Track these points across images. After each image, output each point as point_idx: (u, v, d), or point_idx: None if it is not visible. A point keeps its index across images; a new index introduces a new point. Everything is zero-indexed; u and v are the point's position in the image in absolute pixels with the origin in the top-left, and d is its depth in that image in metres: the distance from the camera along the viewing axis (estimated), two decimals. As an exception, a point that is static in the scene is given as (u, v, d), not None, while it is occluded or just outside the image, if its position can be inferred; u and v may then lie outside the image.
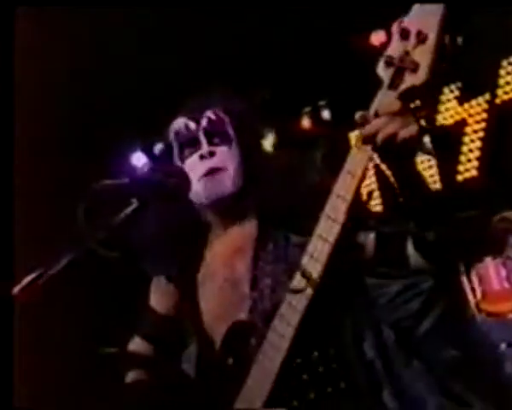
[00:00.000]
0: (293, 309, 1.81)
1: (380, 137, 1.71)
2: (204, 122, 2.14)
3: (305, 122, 5.38)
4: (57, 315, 4.24)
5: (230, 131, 2.13)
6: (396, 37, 1.76)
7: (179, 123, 2.18)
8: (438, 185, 4.78)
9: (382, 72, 1.78)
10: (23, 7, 3.54)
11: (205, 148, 2.12)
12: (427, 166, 4.81)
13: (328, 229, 1.81)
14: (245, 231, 2.11)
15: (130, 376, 2.18)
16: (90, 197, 1.81)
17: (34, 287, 1.68)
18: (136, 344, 2.22)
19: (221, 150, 2.11)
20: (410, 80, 1.74)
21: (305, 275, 1.80)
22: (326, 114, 5.41)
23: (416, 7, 1.75)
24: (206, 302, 2.10)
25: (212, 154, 2.10)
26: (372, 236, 1.93)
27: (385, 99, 1.76)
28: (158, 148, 5.53)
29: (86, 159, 4.84)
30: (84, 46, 4.42)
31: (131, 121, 4.74)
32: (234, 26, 4.42)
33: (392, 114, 1.72)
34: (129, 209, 1.84)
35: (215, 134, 2.14)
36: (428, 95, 1.76)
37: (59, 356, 4.60)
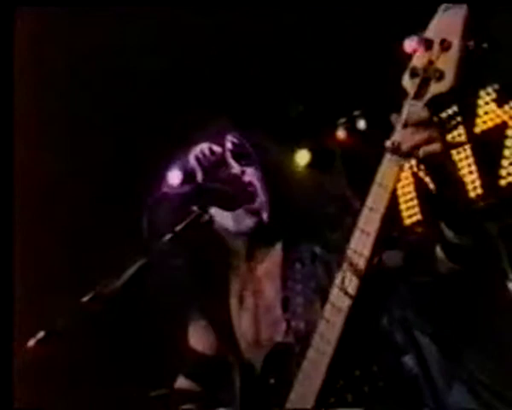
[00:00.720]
0: (331, 326, 1.79)
1: (404, 149, 1.72)
2: (229, 145, 2.14)
3: (341, 133, 5.34)
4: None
5: (253, 153, 2.12)
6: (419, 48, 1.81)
7: (203, 148, 2.17)
8: (479, 191, 4.71)
9: (407, 83, 1.80)
10: (23, 7, 3.54)
11: (236, 167, 2.11)
12: (467, 172, 4.76)
13: (362, 243, 1.78)
14: (270, 255, 2.09)
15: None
16: (152, 207, 1.86)
17: (101, 299, 1.67)
18: (182, 383, 2.21)
19: (250, 171, 2.11)
20: (435, 89, 1.75)
21: (343, 289, 1.77)
22: (361, 124, 5.37)
23: (438, 15, 1.78)
24: (241, 332, 2.08)
25: (243, 173, 2.10)
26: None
27: (411, 109, 1.76)
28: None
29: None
30: (84, 46, 4.41)
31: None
32: (265, 39, 4.41)
33: (419, 126, 1.72)
34: (191, 217, 1.85)
35: (241, 155, 2.13)
36: (458, 101, 1.79)
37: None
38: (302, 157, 4.85)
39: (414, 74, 1.79)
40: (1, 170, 3.06)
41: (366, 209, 1.79)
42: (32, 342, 1.58)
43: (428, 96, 1.75)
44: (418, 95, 1.76)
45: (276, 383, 1.93)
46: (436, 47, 1.76)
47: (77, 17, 4.20)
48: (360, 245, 1.78)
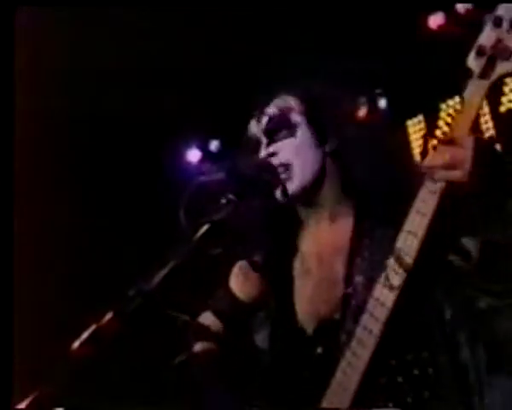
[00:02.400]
0: (380, 305, 1.77)
1: (436, 178, 1.71)
2: (264, 121, 2.11)
3: (362, 112, 5.32)
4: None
5: (295, 119, 2.08)
6: (488, 25, 1.72)
7: (249, 125, 2.15)
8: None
9: (473, 62, 1.74)
10: (23, 7, 3.54)
11: (263, 150, 2.09)
12: None
13: (409, 243, 1.76)
14: (340, 228, 2.06)
15: (199, 346, 2.12)
16: (190, 196, 1.81)
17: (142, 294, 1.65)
18: (207, 319, 2.17)
19: (282, 145, 2.07)
20: (502, 68, 1.70)
21: (399, 262, 1.75)
22: (382, 103, 5.34)
23: None
24: (299, 297, 2.06)
25: (272, 155, 2.06)
26: (475, 243, 1.88)
27: (475, 89, 1.71)
28: (214, 144, 5.57)
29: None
30: (84, 46, 4.42)
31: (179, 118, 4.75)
32: (283, 21, 4.41)
33: (449, 143, 1.69)
34: (228, 205, 1.83)
35: (276, 129, 2.09)
36: None
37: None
38: None
39: (480, 53, 1.72)
40: (1, 170, 3.06)
41: (414, 211, 1.76)
42: (76, 344, 1.56)
43: (495, 76, 1.70)
44: (484, 74, 1.71)
45: (323, 352, 1.92)
46: (505, 24, 1.69)
47: (77, 17, 4.21)
48: (407, 246, 1.76)
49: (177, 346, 2.04)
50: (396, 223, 1.83)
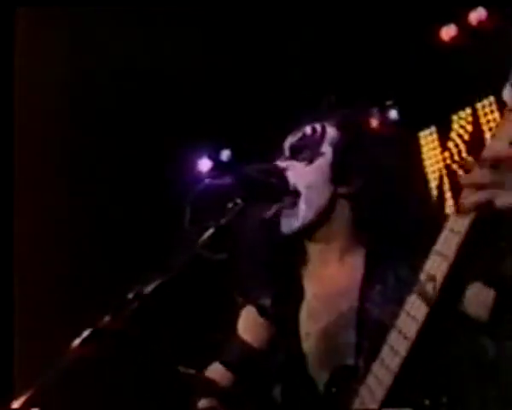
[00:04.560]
0: (394, 353, 1.65)
1: (471, 208, 1.46)
2: (297, 136, 2.07)
3: (373, 123, 5.31)
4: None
5: (324, 147, 2.02)
6: None
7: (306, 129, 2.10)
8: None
9: (507, 95, 1.53)
10: (23, 7, 3.54)
11: (279, 163, 2.04)
12: None
13: (437, 265, 1.57)
14: (350, 269, 1.99)
15: (204, 403, 2.05)
16: (195, 199, 1.77)
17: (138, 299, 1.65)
18: (216, 372, 2.09)
19: (294, 166, 2.01)
20: None
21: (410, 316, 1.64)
22: (393, 114, 5.35)
23: None
24: (307, 344, 1.98)
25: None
26: (489, 293, 1.74)
27: (505, 132, 1.47)
28: (225, 154, 5.58)
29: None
30: (84, 46, 4.41)
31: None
32: (296, 29, 4.40)
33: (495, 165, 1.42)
34: (235, 209, 1.79)
35: (301, 148, 2.05)
36: None
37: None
38: None
39: None
40: (1, 170, 3.06)
41: (446, 230, 1.54)
42: (76, 342, 1.55)
43: None
44: None
45: (337, 396, 1.84)
46: None
47: (77, 17, 4.21)
48: (434, 268, 1.58)
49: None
50: (412, 266, 1.73)
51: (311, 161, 2.02)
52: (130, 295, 1.59)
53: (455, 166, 4.64)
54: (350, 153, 2.02)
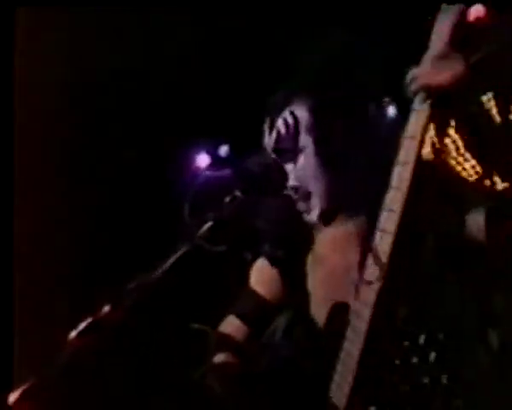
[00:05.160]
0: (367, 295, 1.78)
1: (431, 91, 1.67)
2: (273, 136, 2.11)
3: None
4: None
5: (301, 141, 2.07)
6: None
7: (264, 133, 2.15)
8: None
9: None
10: (23, 7, 3.54)
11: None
12: None
13: (394, 200, 1.74)
14: (353, 226, 2.06)
15: (220, 357, 2.10)
16: (195, 192, 1.82)
17: (144, 288, 1.65)
18: (231, 324, 2.16)
19: (288, 169, 2.07)
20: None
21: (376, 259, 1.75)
22: (391, 111, 5.36)
23: None
24: (314, 288, 2.05)
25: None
26: (480, 214, 1.83)
27: (442, 19, 1.72)
28: (223, 150, 5.59)
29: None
30: (84, 46, 4.42)
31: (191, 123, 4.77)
32: (294, 25, 4.42)
33: (438, 58, 1.68)
34: (234, 202, 1.82)
35: (282, 150, 2.10)
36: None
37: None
38: None
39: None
40: (1, 170, 3.07)
41: (398, 166, 1.73)
42: (73, 334, 1.56)
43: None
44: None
45: (336, 344, 1.90)
46: None
47: (77, 17, 4.21)
48: (392, 203, 1.75)
49: (194, 356, 2.03)
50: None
51: (295, 162, 2.07)
52: (131, 286, 1.60)
53: (452, 162, 4.65)
54: (330, 135, 2.06)
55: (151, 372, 4.52)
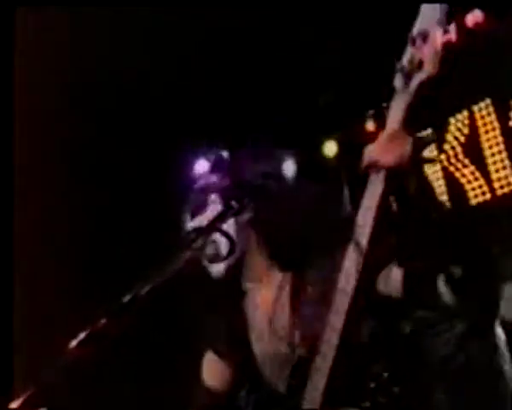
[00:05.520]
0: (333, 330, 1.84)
1: (378, 168, 1.79)
2: (192, 198, 2.12)
3: (370, 125, 5.34)
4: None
5: (212, 198, 2.07)
6: (408, 48, 1.90)
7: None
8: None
9: (396, 82, 1.92)
10: (23, 7, 3.54)
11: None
12: (500, 167, 4.42)
13: (355, 258, 1.82)
14: (279, 280, 2.06)
15: None
16: (193, 199, 1.83)
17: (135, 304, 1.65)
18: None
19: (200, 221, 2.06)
20: (417, 78, 1.85)
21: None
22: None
23: (420, 12, 1.91)
24: (261, 360, 2.09)
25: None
26: (398, 272, 1.88)
27: (397, 104, 1.88)
28: (223, 156, 5.58)
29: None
30: (84, 46, 4.42)
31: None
32: (297, 29, 4.41)
33: (390, 138, 1.84)
34: (229, 213, 1.81)
35: (196, 211, 2.09)
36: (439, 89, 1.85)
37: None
38: (330, 149, 4.89)
39: (401, 70, 1.90)
40: (1, 170, 3.07)
41: (356, 227, 1.82)
42: (73, 344, 1.56)
43: (412, 86, 1.85)
44: (404, 88, 1.88)
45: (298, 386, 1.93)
46: (418, 41, 1.87)
47: (77, 17, 4.21)
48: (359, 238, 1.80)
49: None
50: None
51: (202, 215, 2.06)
52: (126, 299, 1.60)
53: (452, 169, 4.65)
54: (231, 184, 2.05)
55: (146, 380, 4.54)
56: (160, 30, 4.41)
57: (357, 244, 1.78)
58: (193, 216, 1.88)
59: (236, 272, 2.07)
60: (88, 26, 4.32)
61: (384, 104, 5.45)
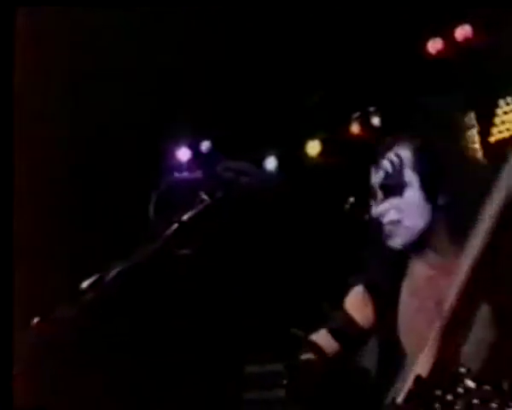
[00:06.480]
0: None
1: None
2: (380, 174, 2.18)
3: (355, 128, 5.36)
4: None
5: (408, 177, 2.14)
6: None
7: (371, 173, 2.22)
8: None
9: None
10: (23, 7, 3.55)
11: (375, 205, 2.18)
12: None
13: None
14: (446, 262, 2.09)
15: (307, 356, 2.19)
16: (162, 191, 1.81)
17: (100, 285, 1.65)
18: (322, 337, 2.24)
19: (390, 206, 2.14)
20: None
21: None
22: (376, 121, 5.38)
23: None
24: (405, 318, 2.13)
25: (380, 215, 2.15)
26: None
27: None
28: (205, 145, 5.56)
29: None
30: (84, 46, 4.42)
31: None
32: (287, 29, 4.43)
33: None
34: (200, 206, 1.81)
35: (389, 186, 2.16)
36: None
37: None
38: (313, 147, 4.91)
39: None
40: (0, 166, 3.08)
41: None
42: (35, 321, 1.57)
43: None
44: None
45: None
46: None
47: (77, 17, 4.22)
48: None
49: None
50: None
51: (401, 195, 2.13)
52: (85, 284, 1.60)
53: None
54: (434, 171, 2.12)
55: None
56: (154, 27, 4.43)
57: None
58: (158, 211, 1.88)
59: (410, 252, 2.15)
60: (88, 26, 4.33)
61: (371, 108, 5.50)
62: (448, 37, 4.61)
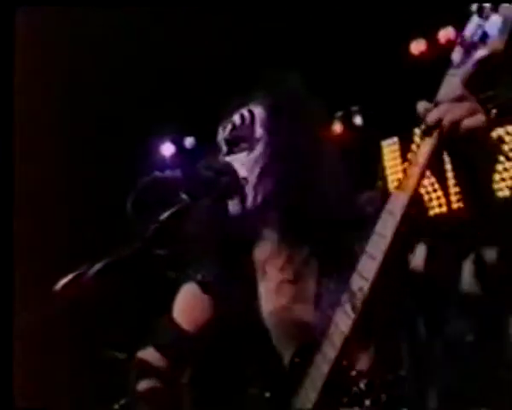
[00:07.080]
0: (339, 329, 1.75)
1: (444, 125, 1.57)
2: (228, 129, 2.05)
3: (337, 127, 5.38)
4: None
5: (258, 132, 2.01)
6: (473, 17, 1.63)
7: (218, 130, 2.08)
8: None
9: (454, 54, 1.64)
10: (23, 7, 3.55)
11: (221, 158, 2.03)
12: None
13: (376, 245, 1.68)
14: (305, 259, 2.00)
15: (143, 385, 2.05)
16: (140, 189, 1.77)
17: (77, 284, 1.63)
18: (149, 354, 2.08)
19: (235, 160, 2.00)
20: (478, 54, 1.60)
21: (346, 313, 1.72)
22: (358, 120, 5.41)
23: None
24: (271, 317, 2.01)
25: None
26: (423, 248, 1.82)
27: (452, 80, 1.62)
28: (188, 141, 5.55)
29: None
30: (84, 46, 4.43)
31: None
32: (271, 27, 4.43)
33: (457, 100, 1.58)
34: (179, 206, 1.78)
35: (236, 141, 2.03)
36: (502, 70, 1.61)
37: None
38: None
39: (461, 43, 1.63)
40: (0, 166, 3.07)
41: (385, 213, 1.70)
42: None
43: (469, 63, 1.60)
44: (461, 63, 1.62)
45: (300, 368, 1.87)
46: (487, 10, 1.59)
47: (77, 17, 4.22)
48: (374, 248, 1.69)
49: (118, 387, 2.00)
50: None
51: (251, 149, 2.00)
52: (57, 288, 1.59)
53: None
54: (282, 129, 1.99)
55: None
56: (142, 27, 4.44)
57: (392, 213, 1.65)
58: (136, 211, 1.82)
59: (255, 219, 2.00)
60: (88, 26, 4.34)
61: (353, 108, 5.49)
62: (431, 38, 4.65)
